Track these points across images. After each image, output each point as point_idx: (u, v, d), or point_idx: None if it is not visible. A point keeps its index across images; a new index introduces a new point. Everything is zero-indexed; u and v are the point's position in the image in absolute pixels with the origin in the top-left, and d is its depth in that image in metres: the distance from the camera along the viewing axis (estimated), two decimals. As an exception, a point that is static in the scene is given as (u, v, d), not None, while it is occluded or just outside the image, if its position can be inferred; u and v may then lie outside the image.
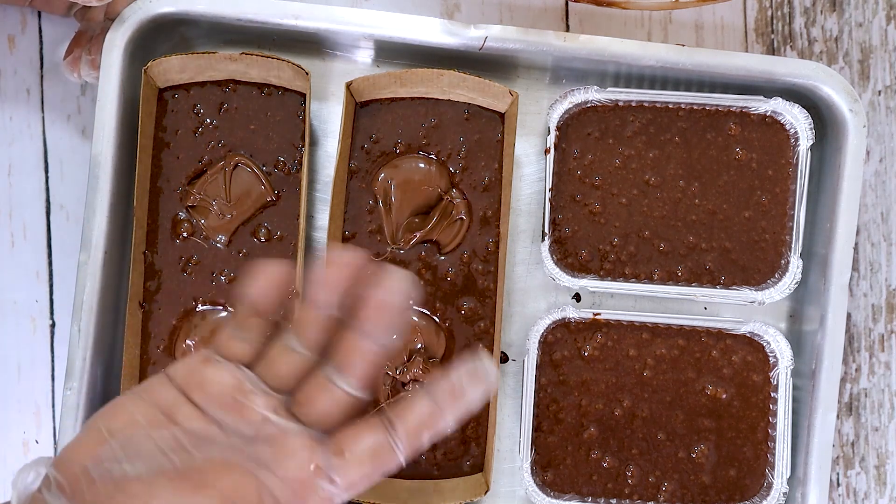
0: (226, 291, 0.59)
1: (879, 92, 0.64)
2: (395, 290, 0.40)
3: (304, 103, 0.58)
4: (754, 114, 0.60)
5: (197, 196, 0.59)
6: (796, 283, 0.59)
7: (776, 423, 0.59)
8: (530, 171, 0.61)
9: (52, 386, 0.63)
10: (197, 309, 0.59)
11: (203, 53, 0.57)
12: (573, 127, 0.60)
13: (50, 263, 0.63)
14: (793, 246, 0.59)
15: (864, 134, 0.58)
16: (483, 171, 0.60)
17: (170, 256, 0.59)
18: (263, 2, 0.57)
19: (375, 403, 0.57)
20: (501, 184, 0.59)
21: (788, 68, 0.58)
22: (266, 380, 0.41)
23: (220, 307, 0.59)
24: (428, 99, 0.60)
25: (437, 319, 0.59)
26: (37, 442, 0.62)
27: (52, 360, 0.63)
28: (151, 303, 0.58)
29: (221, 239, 0.59)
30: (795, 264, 0.59)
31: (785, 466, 0.58)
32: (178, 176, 0.59)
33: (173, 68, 0.58)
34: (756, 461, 0.59)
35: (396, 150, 0.60)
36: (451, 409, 0.41)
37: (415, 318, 0.59)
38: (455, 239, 0.59)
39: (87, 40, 0.58)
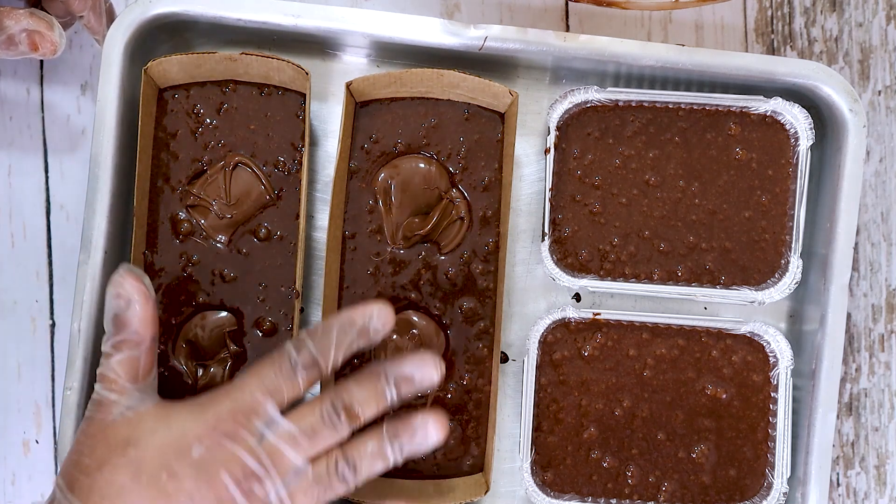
0: (226, 291, 0.59)
1: (879, 92, 0.64)
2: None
3: (304, 103, 0.58)
4: (754, 114, 0.60)
5: (197, 196, 0.59)
6: (796, 283, 0.59)
7: (776, 423, 0.59)
8: (530, 171, 0.61)
9: (52, 386, 0.63)
10: (197, 309, 0.59)
11: (203, 53, 0.57)
12: (573, 127, 0.60)
13: (50, 263, 0.63)
14: (793, 246, 0.59)
15: (864, 134, 0.58)
16: (483, 171, 0.60)
17: (170, 256, 0.59)
18: (263, 2, 0.57)
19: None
20: (501, 184, 0.59)
21: (788, 68, 0.58)
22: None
23: (220, 307, 0.59)
24: (428, 99, 0.60)
25: (437, 319, 0.59)
26: (37, 442, 0.62)
27: (52, 360, 0.63)
28: (151, 303, 0.58)
29: (221, 239, 0.59)
30: (795, 264, 0.59)
31: (785, 466, 0.58)
32: (178, 176, 0.59)
33: (173, 68, 0.58)
34: (756, 461, 0.59)
35: (396, 150, 0.60)
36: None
37: (415, 318, 0.59)
38: (455, 239, 0.59)
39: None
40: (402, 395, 0.50)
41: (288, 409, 0.49)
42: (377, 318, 0.50)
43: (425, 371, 0.51)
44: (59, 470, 0.49)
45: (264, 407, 0.48)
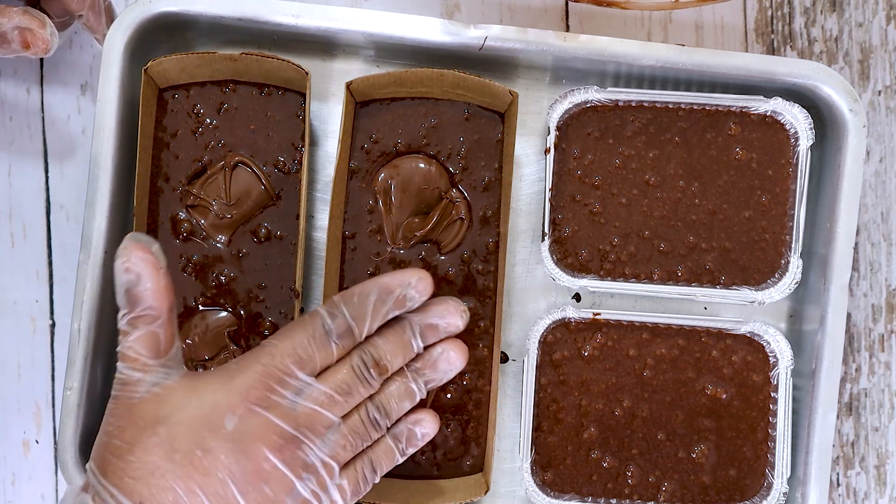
0: (226, 291, 0.59)
1: (879, 92, 0.64)
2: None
3: (304, 103, 0.58)
4: (754, 114, 0.60)
5: (197, 196, 0.59)
6: (796, 283, 0.59)
7: (776, 423, 0.59)
8: (530, 171, 0.61)
9: (52, 386, 0.63)
10: (197, 309, 0.59)
11: (203, 53, 0.57)
12: (573, 127, 0.60)
13: (50, 263, 0.63)
14: (793, 246, 0.59)
15: (864, 134, 0.58)
16: (483, 171, 0.60)
17: (170, 256, 0.58)
18: (263, 2, 0.57)
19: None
20: (501, 184, 0.59)
21: (788, 68, 0.58)
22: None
23: (220, 307, 0.59)
24: (428, 99, 0.60)
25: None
26: (37, 442, 0.62)
27: (52, 360, 0.63)
28: (151, 303, 0.58)
29: (221, 239, 0.59)
30: (795, 264, 0.59)
31: (785, 466, 0.58)
32: (178, 176, 0.59)
33: (173, 68, 0.58)
34: (756, 461, 0.59)
35: (396, 150, 0.60)
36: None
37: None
38: (455, 239, 0.59)
39: None
40: (428, 342, 0.52)
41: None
42: (415, 287, 0.50)
43: (450, 318, 0.52)
44: (90, 456, 0.48)
45: (296, 373, 0.48)
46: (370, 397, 0.51)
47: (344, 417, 0.50)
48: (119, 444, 0.46)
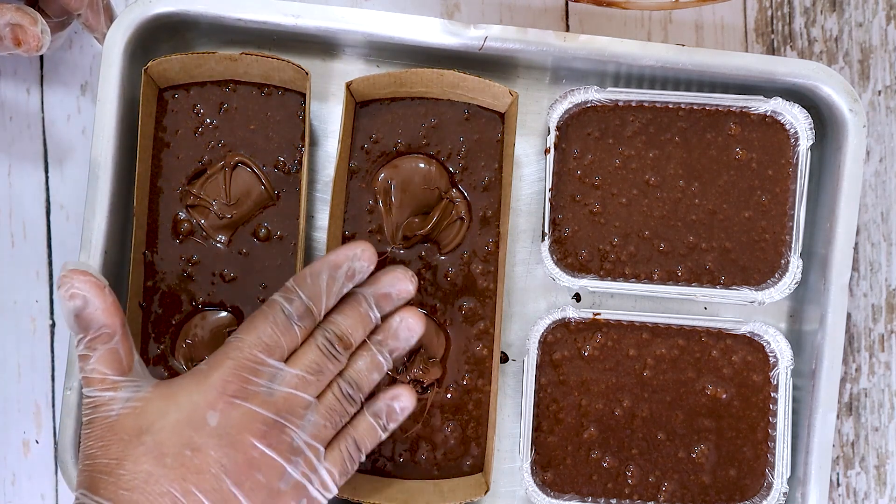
0: (226, 291, 0.59)
1: (879, 92, 0.64)
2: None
3: (304, 103, 0.58)
4: (754, 114, 0.60)
5: (197, 196, 0.59)
6: (796, 283, 0.59)
7: (776, 423, 0.59)
8: (530, 171, 0.61)
9: (52, 386, 0.63)
10: (197, 309, 0.59)
11: (203, 53, 0.57)
12: (573, 127, 0.60)
13: (50, 263, 0.63)
14: (793, 246, 0.59)
15: (864, 134, 0.58)
16: (483, 171, 0.60)
17: (170, 256, 0.59)
18: (263, 2, 0.57)
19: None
20: (501, 184, 0.59)
21: (788, 68, 0.58)
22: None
23: (220, 307, 0.59)
24: (428, 99, 0.60)
25: (437, 319, 0.59)
26: (37, 442, 0.62)
27: (52, 360, 0.63)
28: (151, 303, 0.58)
29: (221, 239, 0.59)
30: (795, 264, 0.59)
31: (785, 466, 0.58)
32: (178, 176, 0.59)
33: (173, 68, 0.58)
34: (756, 461, 0.59)
35: (396, 150, 0.60)
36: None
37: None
38: (455, 239, 0.59)
39: None
40: (384, 312, 0.52)
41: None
42: (361, 257, 0.51)
43: (400, 285, 0.52)
44: (75, 485, 0.48)
45: (266, 360, 0.49)
46: (340, 374, 0.51)
47: (318, 397, 0.50)
48: (106, 461, 0.47)
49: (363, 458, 0.52)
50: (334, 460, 0.50)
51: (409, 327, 0.53)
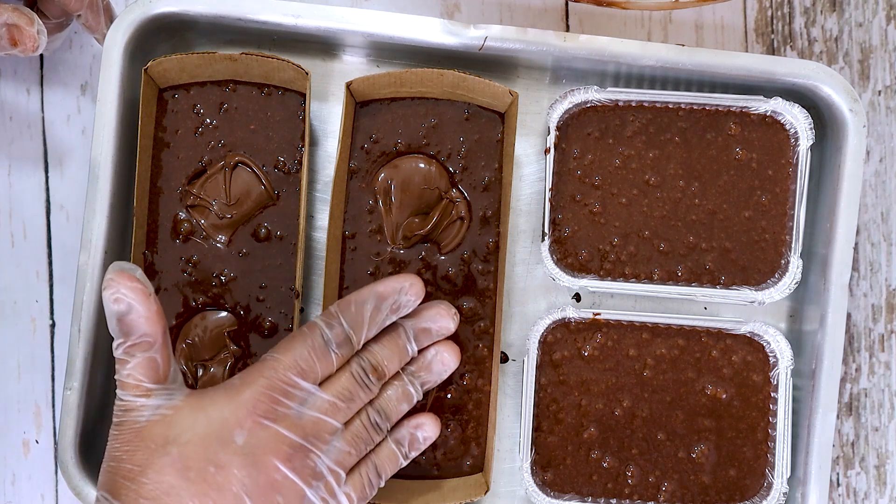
0: (226, 291, 0.59)
1: (879, 92, 0.64)
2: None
3: (304, 103, 0.58)
4: (754, 114, 0.60)
5: (197, 196, 0.59)
6: (796, 283, 0.59)
7: (776, 423, 0.59)
8: (530, 171, 0.61)
9: (52, 386, 0.63)
10: (197, 309, 0.59)
11: (203, 53, 0.57)
12: (573, 127, 0.60)
13: (50, 263, 0.63)
14: (793, 246, 0.59)
15: (864, 134, 0.58)
16: (483, 171, 0.60)
17: (170, 256, 0.59)
18: (263, 2, 0.57)
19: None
20: (501, 184, 0.59)
21: (788, 68, 0.58)
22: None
23: (220, 307, 0.59)
24: (428, 99, 0.60)
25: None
26: (37, 442, 0.62)
27: (52, 360, 0.63)
28: (151, 303, 0.58)
29: (221, 239, 0.59)
30: (795, 264, 0.59)
31: (785, 466, 0.58)
32: (178, 176, 0.59)
33: (173, 68, 0.58)
34: (756, 461, 0.59)
35: (396, 150, 0.60)
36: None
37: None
38: (455, 239, 0.59)
39: None
40: (421, 346, 0.53)
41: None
42: (408, 292, 0.52)
43: (441, 322, 0.54)
44: (98, 483, 0.48)
45: (299, 383, 0.49)
46: (370, 402, 0.52)
47: (346, 424, 0.50)
48: (130, 467, 0.46)
49: (382, 485, 0.53)
50: (354, 485, 0.50)
51: (444, 361, 0.54)
